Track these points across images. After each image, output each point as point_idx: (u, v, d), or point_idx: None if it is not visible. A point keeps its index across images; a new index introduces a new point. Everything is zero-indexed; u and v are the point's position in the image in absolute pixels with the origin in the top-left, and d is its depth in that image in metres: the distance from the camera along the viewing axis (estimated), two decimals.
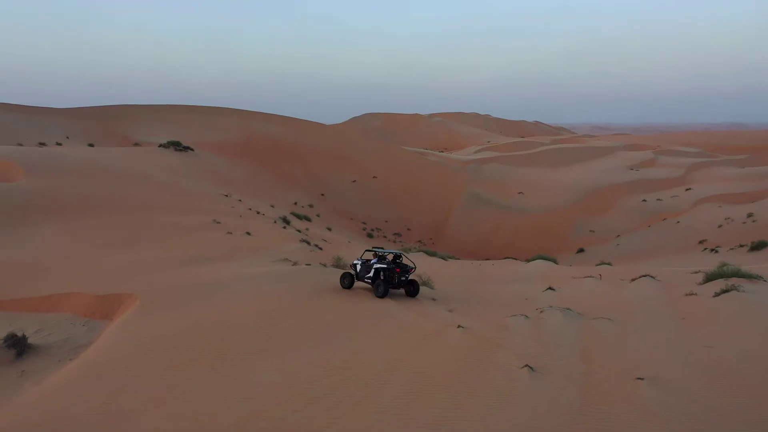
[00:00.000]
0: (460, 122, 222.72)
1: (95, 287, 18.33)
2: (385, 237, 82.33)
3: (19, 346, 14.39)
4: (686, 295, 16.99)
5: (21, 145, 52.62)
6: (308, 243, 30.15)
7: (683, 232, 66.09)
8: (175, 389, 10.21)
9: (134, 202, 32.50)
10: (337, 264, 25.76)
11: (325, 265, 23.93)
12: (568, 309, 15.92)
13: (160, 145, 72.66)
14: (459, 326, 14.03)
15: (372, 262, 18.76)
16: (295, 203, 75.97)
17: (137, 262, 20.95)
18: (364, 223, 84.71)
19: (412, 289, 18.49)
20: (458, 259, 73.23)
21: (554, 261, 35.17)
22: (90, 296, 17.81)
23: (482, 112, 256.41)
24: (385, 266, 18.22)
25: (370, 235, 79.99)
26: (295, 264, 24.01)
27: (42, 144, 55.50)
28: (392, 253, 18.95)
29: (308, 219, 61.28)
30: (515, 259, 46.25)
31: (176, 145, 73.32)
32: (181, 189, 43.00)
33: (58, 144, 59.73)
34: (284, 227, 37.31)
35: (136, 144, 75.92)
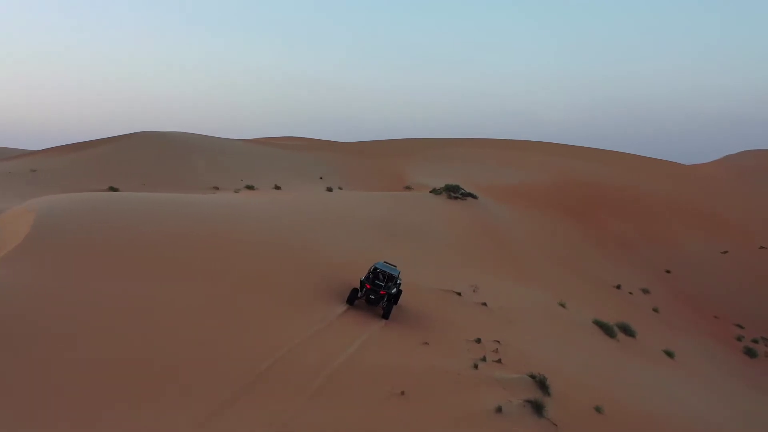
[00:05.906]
0: None
1: None
2: None
3: None
4: None
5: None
6: None
7: None
8: None
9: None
10: None
11: None
12: None
13: (432, 191, 54.76)
14: None
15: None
16: (618, 287, 48.27)
17: None
18: (740, 327, 51.06)
19: (383, 312, 19.69)
20: None
21: None
22: None
23: None
24: (362, 279, 20.08)
25: (750, 352, 46.68)
26: None
27: (250, 187, 43.18)
28: (389, 272, 20.21)
29: (631, 332, 33.50)
30: None
31: (452, 191, 54.33)
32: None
33: (277, 188, 46.87)
34: (535, 408, 13.07)
35: (408, 188, 59.67)
